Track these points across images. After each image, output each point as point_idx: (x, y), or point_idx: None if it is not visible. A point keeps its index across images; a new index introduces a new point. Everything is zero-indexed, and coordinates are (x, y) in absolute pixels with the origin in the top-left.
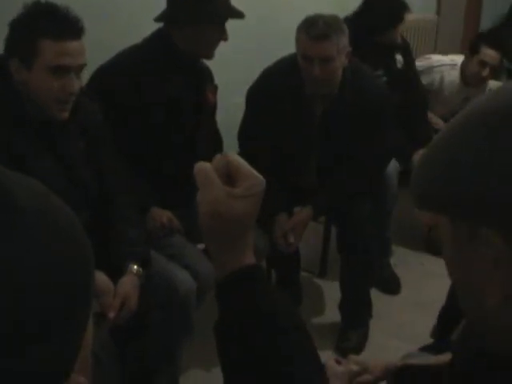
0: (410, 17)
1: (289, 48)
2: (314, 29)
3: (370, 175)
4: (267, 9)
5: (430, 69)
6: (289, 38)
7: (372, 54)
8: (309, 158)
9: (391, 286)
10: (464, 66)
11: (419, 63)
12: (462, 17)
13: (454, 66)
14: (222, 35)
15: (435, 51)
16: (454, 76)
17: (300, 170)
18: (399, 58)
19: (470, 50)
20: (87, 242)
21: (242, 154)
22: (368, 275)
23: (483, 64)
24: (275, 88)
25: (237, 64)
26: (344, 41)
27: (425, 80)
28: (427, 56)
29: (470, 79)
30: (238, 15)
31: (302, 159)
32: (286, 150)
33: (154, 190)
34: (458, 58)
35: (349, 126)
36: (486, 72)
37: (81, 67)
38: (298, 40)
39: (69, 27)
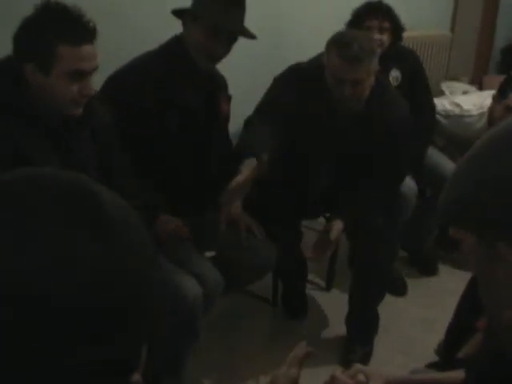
0: (423, 32)
1: (302, 59)
2: (347, 51)
3: (391, 188)
4: (279, 20)
5: (459, 117)
6: (301, 49)
7: None
8: (321, 165)
9: (397, 287)
10: (491, 109)
11: (448, 106)
12: (477, 34)
13: (482, 114)
14: (226, 49)
15: (448, 68)
16: (482, 123)
17: (310, 176)
18: (396, 73)
19: (499, 93)
20: (155, 256)
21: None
22: (380, 291)
23: (509, 110)
24: (303, 85)
25: (249, 75)
26: (375, 62)
27: (451, 125)
28: (456, 101)
29: (496, 122)
30: (250, 36)
31: (314, 164)
32: (300, 149)
33: (165, 198)
34: (475, 96)
35: (370, 139)
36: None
37: (95, 70)
38: (329, 58)
39: (84, 31)
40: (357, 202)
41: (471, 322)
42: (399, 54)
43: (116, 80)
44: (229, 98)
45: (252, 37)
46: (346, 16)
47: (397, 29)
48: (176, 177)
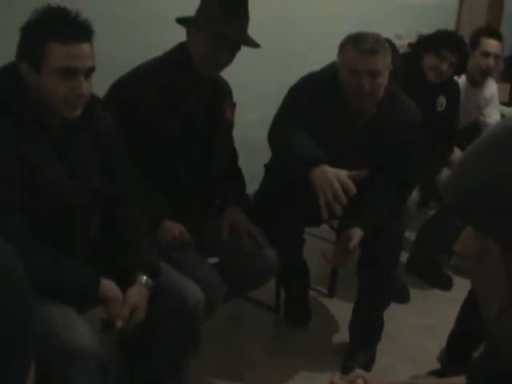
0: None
1: (304, 66)
2: (363, 43)
3: (401, 195)
4: (284, 27)
5: None
6: (304, 56)
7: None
8: None
9: (400, 295)
10: (470, 65)
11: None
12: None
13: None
14: (229, 58)
15: None
16: (462, 82)
17: None
18: (442, 100)
19: (471, 45)
20: (25, 283)
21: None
22: (386, 299)
23: (486, 54)
24: (318, 92)
25: (252, 80)
26: (389, 58)
27: None
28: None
29: (477, 76)
30: (253, 45)
31: None
32: None
33: (168, 203)
34: None
35: (383, 144)
36: (490, 61)
37: (90, 70)
38: (344, 54)
39: (77, 30)
40: (374, 210)
41: (473, 329)
42: (447, 82)
43: (120, 85)
44: (233, 106)
45: (255, 45)
46: (354, 23)
47: (462, 64)
48: (178, 183)
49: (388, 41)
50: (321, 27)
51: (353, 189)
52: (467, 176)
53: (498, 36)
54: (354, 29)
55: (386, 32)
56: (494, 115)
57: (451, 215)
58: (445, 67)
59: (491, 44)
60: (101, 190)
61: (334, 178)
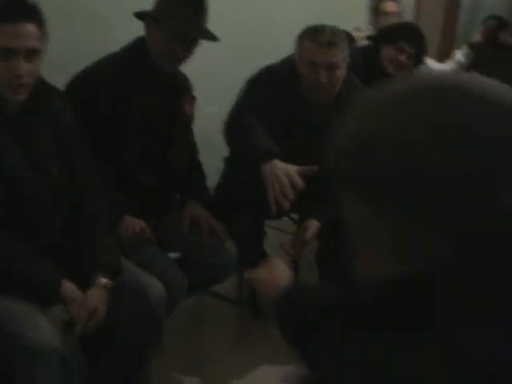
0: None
1: (264, 58)
2: (321, 36)
3: None
4: (244, 20)
5: None
6: (264, 49)
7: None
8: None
9: None
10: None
11: None
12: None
13: None
14: (188, 53)
15: None
16: None
17: None
18: None
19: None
20: None
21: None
22: None
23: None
24: (276, 85)
25: (213, 73)
26: (347, 50)
27: None
28: None
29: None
30: (211, 38)
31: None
32: None
33: (129, 199)
34: None
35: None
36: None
37: (31, 51)
38: (301, 47)
39: (21, 10)
40: (330, 202)
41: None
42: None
43: (78, 80)
44: (193, 99)
45: (214, 39)
46: (314, 16)
47: (420, 55)
48: (139, 178)
49: (347, 33)
50: (282, 20)
51: (300, 184)
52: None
53: None
54: (314, 22)
55: (345, 25)
56: None
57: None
58: (403, 59)
59: (388, 5)
60: (62, 181)
61: (282, 173)
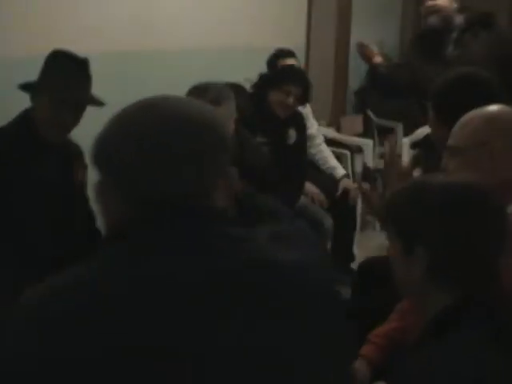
0: None
1: None
2: (205, 95)
3: None
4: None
5: None
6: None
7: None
8: None
9: None
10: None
11: None
12: (331, 77)
13: None
14: (75, 120)
15: None
16: None
17: None
18: (293, 133)
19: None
20: None
21: None
22: None
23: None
24: None
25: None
26: (233, 107)
27: None
28: None
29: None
30: (98, 103)
31: None
32: None
33: (29, 269)
34: None
35: None
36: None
37: None
38: None
39: None
40: None
41: None
42: (294, 115)
43: None
44: (85, 167)
45: (100, 104)
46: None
47: (306, 95)
48: (39, 247)
49: (237, 86)
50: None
51: None
52: None
53: (293, 55)
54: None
55: (235, 77)
56: (314, 126)
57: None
58: (291, 101)
59: (289, 62)
60: None
61: None
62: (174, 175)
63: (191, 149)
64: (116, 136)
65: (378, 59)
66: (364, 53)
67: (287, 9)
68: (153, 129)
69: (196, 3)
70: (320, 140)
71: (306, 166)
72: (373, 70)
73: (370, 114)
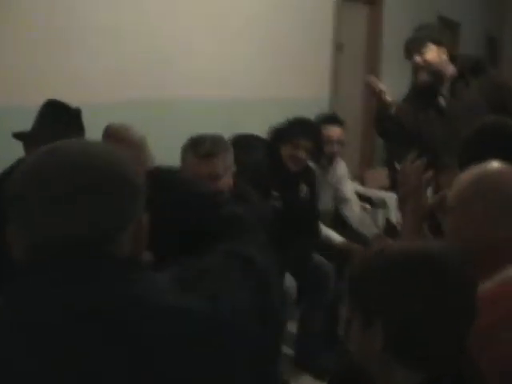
0: None
1: None
2: (201, 147)
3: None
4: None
5: None
6: None
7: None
8: None
9: None
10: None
11: None
12: (359, 131)
13: None
14: None
15: None
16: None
17: None
18: (304, 188)
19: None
20: None
21: None
22: None
23: (329, 141)
24: None
25: None
26: (230, 159)
27: None
28: None
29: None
30: None
31: None
32: None
33: None
34: None
35: None
36: (334, 148)
37: None
38: (184, 160)
39: None
40: None
41: None
42: (305, 169)
43: None
44: None
45: None
46: (223, 123)
47: (318, 149)
48: None
49: (257, 139)
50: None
51: None
52: None
53: (339, 122)
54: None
55: (258, 129)
56: (349, 188)
57: None
58: (302, 155)
59: (333, 131)
60: None
61: None
62: (53, 216)
63: (77, 188)
64: (17, 174)
65: (387, 98)
66: (373, 91)
67: (311, 60)
68: (41, 170)
69: (216, 55)
70: (356, 206)
71: (317, 222)
72: (382, 110)
73: (397, 165)
